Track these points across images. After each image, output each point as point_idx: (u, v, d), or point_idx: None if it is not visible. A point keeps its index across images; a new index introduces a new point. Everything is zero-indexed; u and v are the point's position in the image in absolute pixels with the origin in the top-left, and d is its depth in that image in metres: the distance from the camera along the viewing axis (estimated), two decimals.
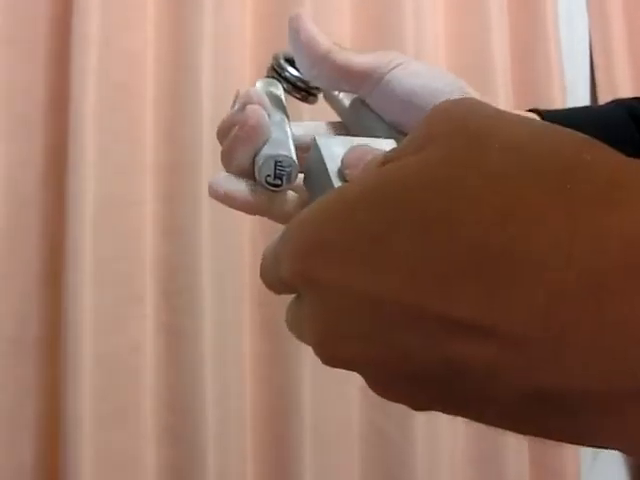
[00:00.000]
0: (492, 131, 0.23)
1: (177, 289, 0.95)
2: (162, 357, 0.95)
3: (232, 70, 1.00)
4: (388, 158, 0.25)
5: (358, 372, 0.25)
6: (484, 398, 0.22)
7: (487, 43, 1.14)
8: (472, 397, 0.22)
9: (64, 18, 0.93)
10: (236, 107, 0.39)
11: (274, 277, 0.28)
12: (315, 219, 0.25)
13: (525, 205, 0.21)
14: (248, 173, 0.38)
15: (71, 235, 0.89)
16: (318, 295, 0.25)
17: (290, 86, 0.44)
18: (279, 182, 0.36)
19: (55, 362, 0.91)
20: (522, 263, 0.20)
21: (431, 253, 0.21)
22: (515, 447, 1.11)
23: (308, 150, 0.35)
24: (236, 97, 0.41)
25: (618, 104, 0.45)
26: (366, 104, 0.41)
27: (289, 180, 0.36)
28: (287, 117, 0.41)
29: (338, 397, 1.02)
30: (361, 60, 0.40)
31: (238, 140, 0.37)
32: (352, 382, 1.04)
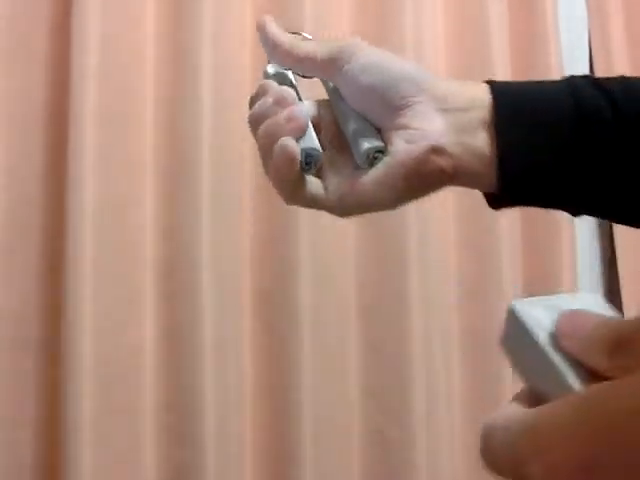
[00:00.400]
0: None
1: (177, 289, 0.95)
2: (162, 357, 0.95)
3: (232, 70, 1.00)
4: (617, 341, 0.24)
5: None
6: None
7: (487, 43, 1.14)
8: None
9: (64, 18, 0.93)
10: (270, 100, 0.44)
11: (507, 465, 0.26)
12: (575, 433, 0.23)
13: None
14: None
15: (71, 235, 0.89)
16: None
17: None
18: (308, 167, 0.43)
19: (55, 362, 0.91)
20: None
21: None
22: None
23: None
24: (260, 90, 0.46)
25: (569, 81, 0.44)
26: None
27: (315, 165, 0.44)
28: (298, 94, 0.46)
29: (338, 397, 1.02)
30: (322, 51, 0.44)
31: (282, 132, 0.42)
32: (352, 382, 1.04)
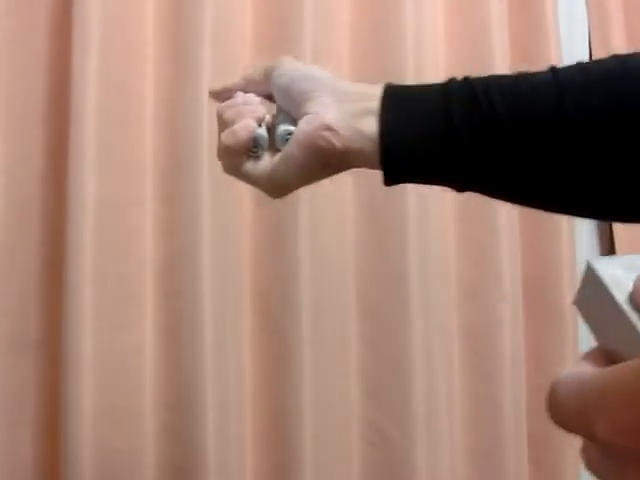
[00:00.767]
0: None
1: (177, 289, 0.95)
2: (162, 357, 0.95)
3: (232, 70, 1.00)
4: None
5: None
6: None
7: (487, 43, 1.14)
8: None
9: (64, 18, 0.93)
10: (239, 99, 0.56)
11: (574, 421, 0.27)
12: None
13: None
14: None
15: (71, 235, 0.89)
16: None
17: None
18: (255, 150, 0.54)
19: (55, 362, 0.91)
20: None
21: None
22: (514, 446, 1.11)
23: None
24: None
25: (449, 80, 0.51)
26: None
27: (263, 149, 0.54)
28: None
29: (338, 397, 1.02)
30: (258, 70, 0.56)
31: (245, 117, 0.54)
32: (352, 382, 1.04)
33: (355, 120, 0.50)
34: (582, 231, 1.25)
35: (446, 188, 0.52)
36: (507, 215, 1.12)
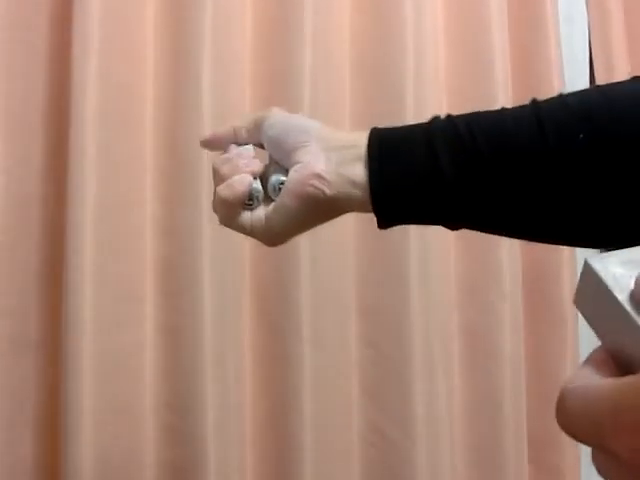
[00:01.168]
0: None
1: (177, 289, 0.95)
2: (162, 357, 0.95)
3: (232, 70, 1.00)
4: None
5: None
6: None
7: (487, 43, 1.14)
8: None
9: (64, 18, 0.93)
10: (234, 153, 0.57)
11: (586, 435, 0.27)
12: None
13: None
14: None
15: (71, 235, 0.89)
16: None
17: None
18: (250, 203, 0.55)
19: (55, 362, 0.91)
20: None
21: None
22: (514, 446, 1.11)
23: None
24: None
25: (431, 120, 0.52)
26: None
27: (258, 202, 0.56)
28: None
29: (338, 397, 1.02)
30: (248, 121, 0.57)
31: (240, 171, 0.56)
32: (352, 382, 1.04)
33: (344, 167, 0.52)
34: None
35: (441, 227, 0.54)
36: None
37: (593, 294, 0.30)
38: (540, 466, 1.16)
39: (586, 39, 1.31)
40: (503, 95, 1.12)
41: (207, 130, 0.95)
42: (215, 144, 0.60)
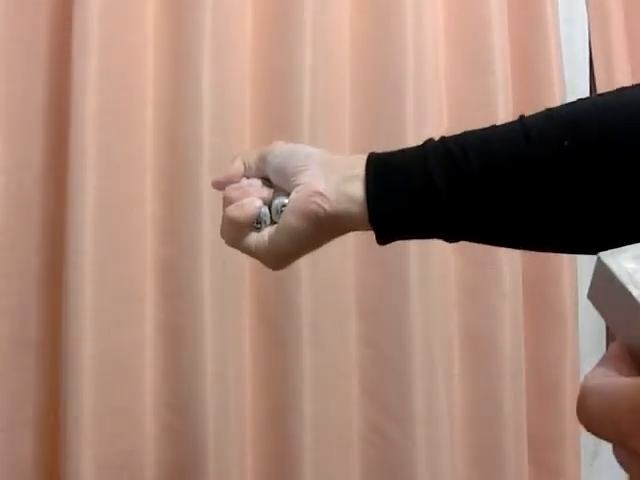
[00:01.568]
0: None
1: (177, 289, 0.95)
2: (162, 357, 0.95)
3: (232, 70, 1.00)
4: None
5: None
6: None
7: (487, 42, 1.14)
8: None
9: (64, 18, 0.93)
10: (244, 183, 0.60)
11: (608, 434, 0.28)
12: None
13: None
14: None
15: (71, 235, 0.89)
16: None
17: None
18: (258, 225, 0.58)
19: (55, 362, 0.91)
20: None
21: None
22: (514, 446, 1.11)
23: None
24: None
25: (425, 143, 0.54)
26: None
27: (265, 225, 0.58)
28: None
29: (338, 397, 1.02)
30: (254, 156, 0.60)
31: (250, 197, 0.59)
32: (352, 382, 1.04)
33: (343, 186, 0.54)
34: None
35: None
36: None
37: (607, 290, 0.30)
38: (540, 466, 1.16)
39: (586, 39, 1.31)
40: (503, 95, 1.12)
41: (207, 130, 0.95)
42: (226, 184, 0.61)
